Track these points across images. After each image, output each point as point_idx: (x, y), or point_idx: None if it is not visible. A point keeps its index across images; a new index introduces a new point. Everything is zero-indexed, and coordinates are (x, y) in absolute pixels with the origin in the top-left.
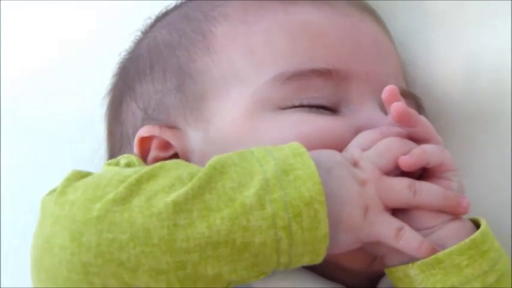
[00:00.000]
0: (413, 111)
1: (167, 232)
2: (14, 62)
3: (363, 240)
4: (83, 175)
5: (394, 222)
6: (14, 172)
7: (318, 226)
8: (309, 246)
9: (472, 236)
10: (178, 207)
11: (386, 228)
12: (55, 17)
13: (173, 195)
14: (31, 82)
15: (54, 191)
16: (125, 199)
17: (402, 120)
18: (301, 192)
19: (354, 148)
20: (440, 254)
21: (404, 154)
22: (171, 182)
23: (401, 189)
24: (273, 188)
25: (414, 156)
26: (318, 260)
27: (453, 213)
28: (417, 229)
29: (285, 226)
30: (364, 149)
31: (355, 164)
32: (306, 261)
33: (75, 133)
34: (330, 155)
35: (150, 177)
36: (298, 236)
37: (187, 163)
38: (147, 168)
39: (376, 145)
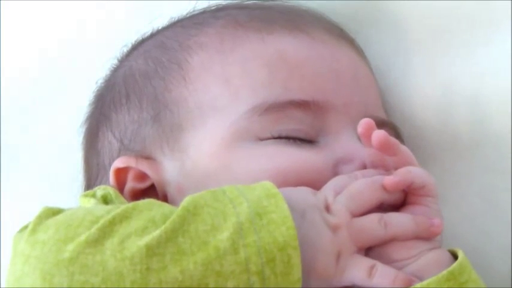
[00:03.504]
0: (394, 140)
1: (140, 276)
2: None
3: (335, 286)
4: (54, 212)
5: (365, 262)
6: None
7: (291, 271)
8: None
9: (450, 268)
10: (151, 250)
11: (358, 271)
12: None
13: (146, 239)
14: (12, 107)
15: (25, 227)
16: (97, 241)
17: (383, 148)
18: (275, 237)
19: (328, 190)
20: (418, 286)
21: (376, 196)
22: (144, 224)
23: (372, 226)
24: (246, 231)
25: (399, 175)
26: None
27: (427, 235)
28: (396, 260)
29: (258, 271)
30: (338, 192)
31: (327, 208)
32: None
33: (53, 161)
34: (303, 197)
35: (123, 218)
36: (271, 281)
37: (160, 203)
38: (119, 209)
39: (347, 189)
